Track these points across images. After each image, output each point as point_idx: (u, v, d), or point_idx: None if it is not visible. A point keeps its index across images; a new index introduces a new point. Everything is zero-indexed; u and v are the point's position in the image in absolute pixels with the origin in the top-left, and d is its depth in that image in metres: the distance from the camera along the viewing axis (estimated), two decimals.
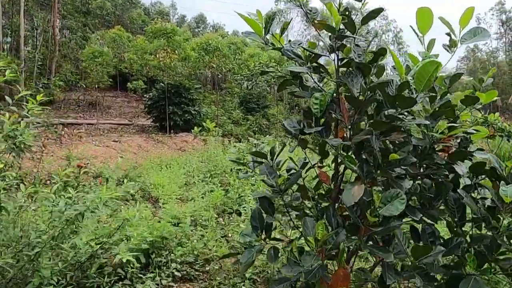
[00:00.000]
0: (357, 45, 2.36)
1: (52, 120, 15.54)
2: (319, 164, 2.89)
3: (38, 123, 4.01)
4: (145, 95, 18.21)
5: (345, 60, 2.33)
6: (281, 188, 2.60)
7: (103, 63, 13.98)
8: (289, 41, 2.85)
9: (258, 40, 2.64)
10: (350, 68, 2.31)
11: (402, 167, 2.09)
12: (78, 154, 9.82)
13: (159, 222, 5.54)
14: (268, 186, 2.69)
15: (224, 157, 10.27)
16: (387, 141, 2.21)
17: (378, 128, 2.08)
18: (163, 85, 15.61)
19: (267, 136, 18.00)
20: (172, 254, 4.14)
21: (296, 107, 29.64)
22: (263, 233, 2.36)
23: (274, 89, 33.80)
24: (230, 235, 5.51)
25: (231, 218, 6.20)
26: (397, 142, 2.20)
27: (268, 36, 2.68)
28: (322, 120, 2.33)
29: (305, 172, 2.81)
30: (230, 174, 8.03)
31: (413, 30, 2.14)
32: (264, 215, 2.45)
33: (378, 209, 1.87)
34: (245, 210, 5.90)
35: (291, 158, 2.93)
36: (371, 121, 2.19)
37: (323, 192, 2.71)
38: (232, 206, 6.66)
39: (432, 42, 2.27)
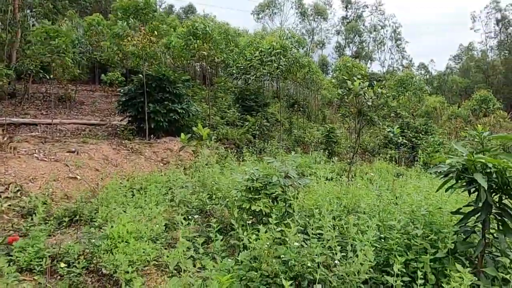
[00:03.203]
0: None
1: None
2: None
3: None
4: (118, 89, 14.91)
5: None
6: None
7: (61, 46, 10.57)
8: None
9: None
10: None
11: None
12: (5, 176, 6.58)
13: None
14: None
15: (224, 178, 7.17)
16: None
17: None
18: (142, 76, 12.35)
19: (273, 141, 14.95)
20: None
21: (295, 105, 26.61)
22: None
23: (271, 84, 30.70)
24: None
25: None
26: None
27: None
28: None
29: None
30: (239, 219, 4.93)
31: None
32: None
33: None
34: None
35: None
36: None
37: None
38: None
39: None
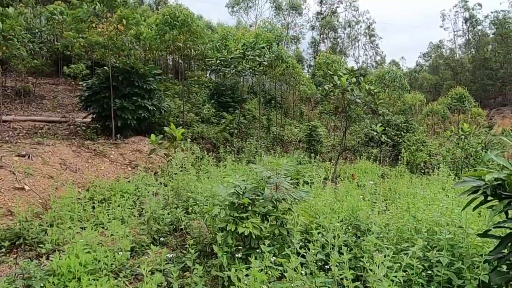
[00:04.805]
0: None
1: None
2: None
3: None
4: (80, 83, 13.56)
5: None
6: None
7: (8, 31, 9.11)
8: None
9: None
10: None
11: None
12: None
13: None
14: None
15: (200, 185, 6.23)
16: None
17: None
18: (107, 69, 11.10)
19: (251, 140, 14.06)
20: None
21: (272, 102, 25.81)
22: None
23: (246, 79, 29.68)
24: None
25: None
26: None
27: None
28: None
29: None
30: (223, 244, 4.02)
31: None
32: None
33: None
34: None
35: None
36: None
37: None
38: None
39: None
